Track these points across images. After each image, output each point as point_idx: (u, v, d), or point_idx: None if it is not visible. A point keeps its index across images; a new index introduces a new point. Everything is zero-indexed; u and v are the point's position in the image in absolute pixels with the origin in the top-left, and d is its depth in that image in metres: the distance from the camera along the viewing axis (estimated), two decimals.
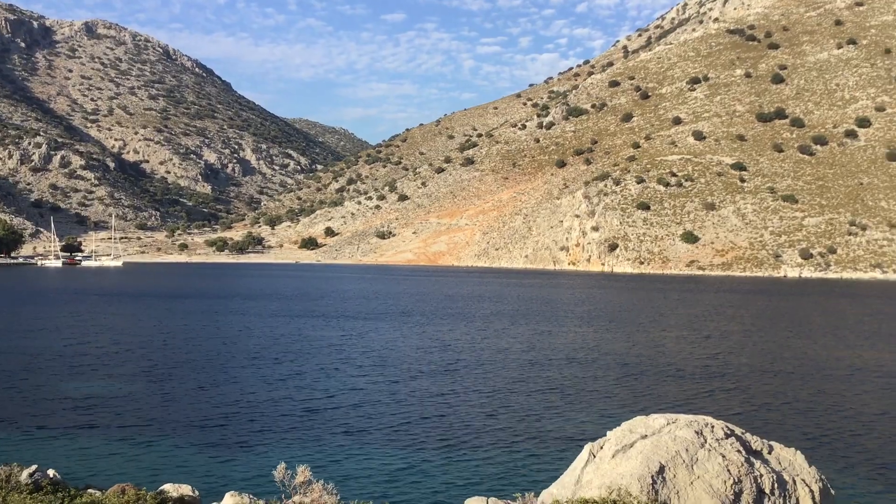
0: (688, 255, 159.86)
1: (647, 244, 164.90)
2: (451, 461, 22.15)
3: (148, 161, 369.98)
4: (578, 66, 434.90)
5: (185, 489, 11.77)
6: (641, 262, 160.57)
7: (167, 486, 11.78)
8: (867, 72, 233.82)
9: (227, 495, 11.37)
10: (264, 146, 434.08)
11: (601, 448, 10.49)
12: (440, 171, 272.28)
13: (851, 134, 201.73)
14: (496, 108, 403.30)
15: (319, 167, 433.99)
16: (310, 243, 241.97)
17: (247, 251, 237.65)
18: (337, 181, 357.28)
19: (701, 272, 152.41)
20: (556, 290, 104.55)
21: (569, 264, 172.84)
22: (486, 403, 30.01)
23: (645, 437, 10.23)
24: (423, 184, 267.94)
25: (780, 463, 10.93)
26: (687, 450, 9.90)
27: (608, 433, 10.75)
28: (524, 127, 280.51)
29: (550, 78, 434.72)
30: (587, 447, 10.69)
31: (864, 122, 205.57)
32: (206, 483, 19.07)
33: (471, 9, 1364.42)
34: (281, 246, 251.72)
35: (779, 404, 30.58)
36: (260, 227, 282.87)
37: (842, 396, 32.11)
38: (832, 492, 11.40)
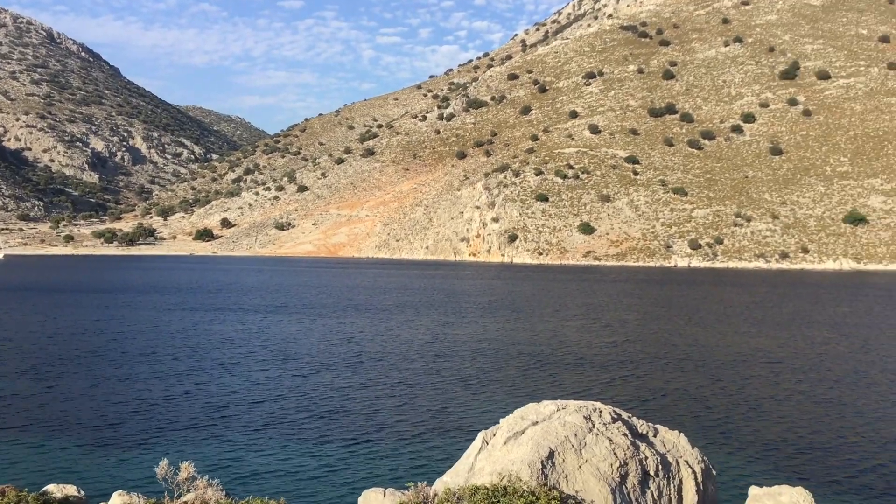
0: (584, 245, 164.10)
1: (546, 235, 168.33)
2: (353, 455, 22.25)
3: (30, 149, 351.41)
4: (478, 58, 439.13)
5: (70, 489, 11.48)
6: (540, 253, 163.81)
7: (51, 487, 11.47)
8: (752, 69, 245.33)
9: (115, 494, 11.16)
10: (155, 134, 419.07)
11: (494, 435, 10.83)
12: (340, 161, 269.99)
13: (737, 129, 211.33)
14: (397, 98, 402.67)
15: (215, 156, 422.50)
16: (205, 235, 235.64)
17: (138, 243, 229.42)
18: (233, 171, 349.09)
19: (597, 262, 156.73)
20: (458, 280, 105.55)
21: (469, 255, 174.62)
22: (390, 396, 30.20)
23: (536, 423, 10.62)
24: (323, 175, 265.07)
25: (664, 445, 11.50)
26: (576, 434, 10.35)
27: (501, 421, 11.09)
28: (425, 118, 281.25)
29: (451, 70, 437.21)
30: (480, 435, 11.01)
31: (749, 118, 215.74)
32: (96, 484, 18.58)
33: None
34: (174, 237, 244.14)
35: (672, 390, 31.99)
36: (152, 217, 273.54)
37: (731, 382, 33.83)
38: (714, 472, 12.08)
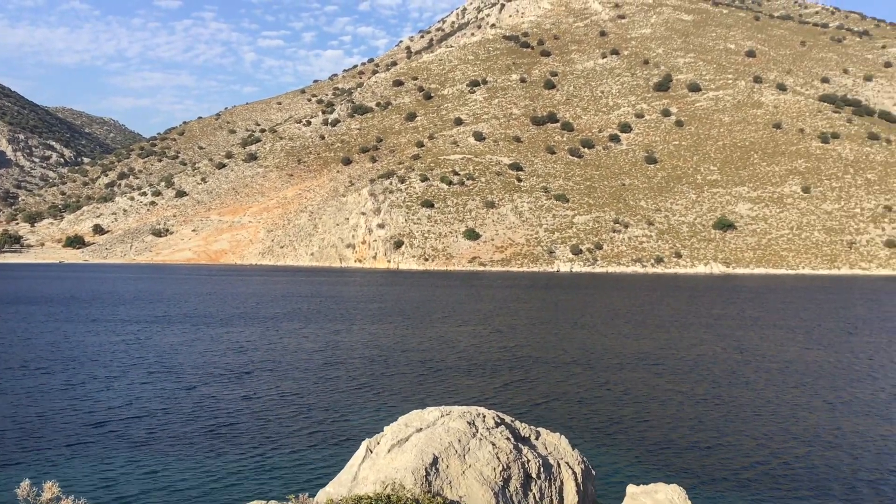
0: (470, 251, 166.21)
1: (432, 241, 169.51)
2: (240, 469, 21.84)
3: None
4: (363, 64, 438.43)
5: None
6: (426, 259, 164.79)
7: None
8: (628, 80, 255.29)
9: None
10: (22, 136, 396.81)
11: (378, 444, 10.93)
12: (221, 166, 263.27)
13: (615, 138, 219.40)
14: (280, 103, 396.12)
15: (86, 160, 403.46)
16: (76, 242, 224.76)
17: (2, 251, 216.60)
18: (106, 175, 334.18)
19: (482, 268, 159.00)
20: (345, 287, 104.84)
21: (355, 262, 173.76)
22: (279, 407, 29.76)
23: (420, 430, 10.80)
24: (203, 179, 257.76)
25: (546, 448, 11.91)
26: (459, 440, 10.59)
27: (385, 428, 11.20)
28: (309, 123, 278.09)
29: (335, 75, 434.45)
30: (364, 443, 11.07)
31: (625, 128, 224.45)
32: None
33: (251, 0, 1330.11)
34: (42, 245, 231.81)
35: (559, 393, 32.87)
36: (17, 224, 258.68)
37: (614, 384, 35.09)
38: (593, 472, 12.58)
